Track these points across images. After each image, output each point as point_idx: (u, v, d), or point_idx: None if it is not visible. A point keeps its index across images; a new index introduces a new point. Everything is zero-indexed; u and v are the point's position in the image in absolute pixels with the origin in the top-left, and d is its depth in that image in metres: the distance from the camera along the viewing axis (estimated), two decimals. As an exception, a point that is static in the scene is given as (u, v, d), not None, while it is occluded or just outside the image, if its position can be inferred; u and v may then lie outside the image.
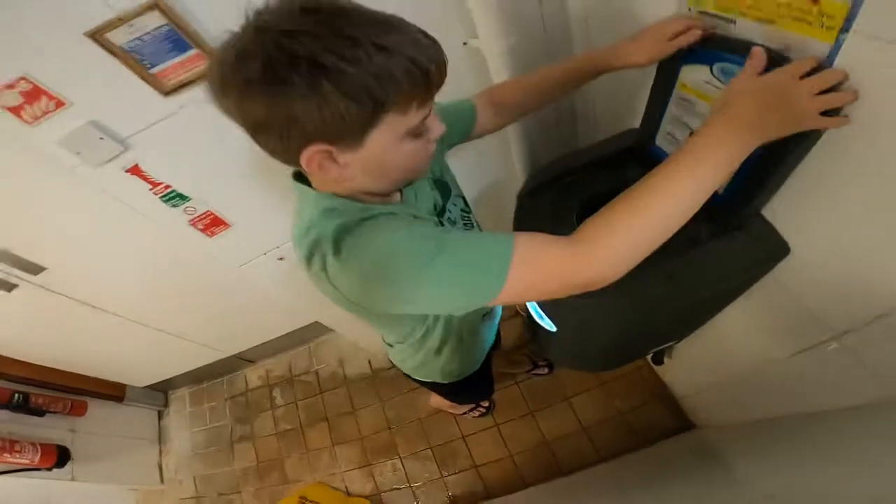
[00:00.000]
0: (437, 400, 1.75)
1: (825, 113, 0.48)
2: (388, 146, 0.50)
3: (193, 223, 1.11)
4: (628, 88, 0.93)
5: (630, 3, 0.79)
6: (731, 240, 0.71)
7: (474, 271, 0.50)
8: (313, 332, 2.18)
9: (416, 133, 0.52)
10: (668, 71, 0.72)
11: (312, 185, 0.58)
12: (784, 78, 0.48)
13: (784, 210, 0.69)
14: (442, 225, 0.70)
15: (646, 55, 0.67)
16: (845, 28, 0.45)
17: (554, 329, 0.95)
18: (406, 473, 1.80)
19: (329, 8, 0.44)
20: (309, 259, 0.54)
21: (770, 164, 0.60)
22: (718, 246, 0.72)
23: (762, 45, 0.53)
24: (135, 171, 0.93)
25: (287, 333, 2.13)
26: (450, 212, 0.74)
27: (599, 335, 0.88)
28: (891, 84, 0.45)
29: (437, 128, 0.55)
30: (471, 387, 1.07)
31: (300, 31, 0.41)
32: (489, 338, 1.00)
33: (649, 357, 1.62)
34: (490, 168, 1.37)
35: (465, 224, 0.78)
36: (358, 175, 0.53)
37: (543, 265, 0.49)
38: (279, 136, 0.47)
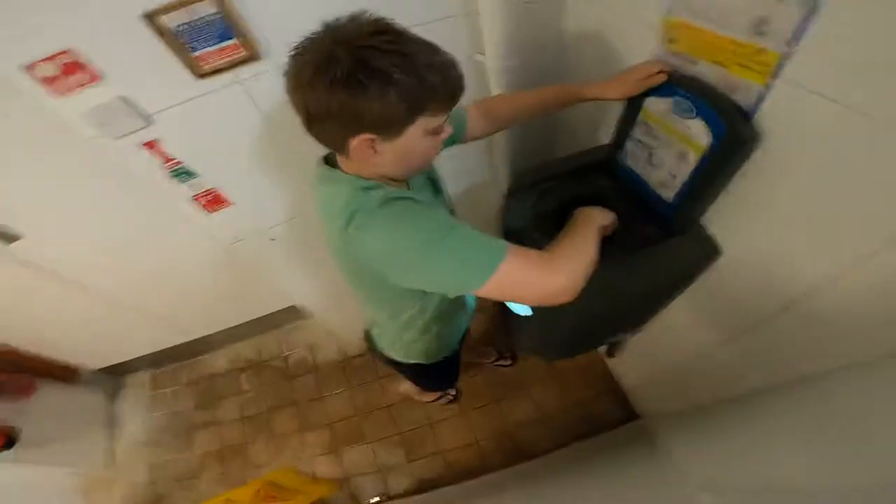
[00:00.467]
0: (406, 387, 1.84)
1: None
2: (415, 140, 0.63)
3: (197, 198, 1.16)
4: (603, 109, 1.09)
5: (616, 43, 0.95)
6: (677, 242, 0.87)
7: (470, 261, 0.62)
8: (286, 317, 2.21)
9: (436, 132, 0.65)
10: (635, 101, 0.88)
11: (341, 169, 0.70)
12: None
13: (717, 219, 0.86)
14: None
15: (620, 92, 0.84)
16: (775, 74, 0.61)
17: (529, 313, 1.07)
18: (374, 458, 1.86)
19: (392, 31, 0.57)
20: (347, 223, 0.64)
21: (707, 183, 0.77)
22: (666, 247, 0.87)
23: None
24: (151, 145, 0.98)
25: (259, 318, 2.15)
26: (439, 205, 0.88)
27: (567, 320, 1.00)
28: (801, 124, 0.61)
29: (447, 129, 0.68)
30: (443, 371, 1.19)
31: (374, 48, 0.54)
32: (465, 324, 1.12)
33: (604, 351, 1.79)
34: (475, 167, 1.50)
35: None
36: (388, 161, 0.65)
37: (524, 276, 0.63)
38: (341, 124, 0.59)
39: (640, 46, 0.85)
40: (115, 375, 2.29)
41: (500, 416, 1.88)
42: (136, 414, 2.20)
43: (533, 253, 0.64)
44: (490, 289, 0.61)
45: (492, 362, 1.96)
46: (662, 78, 0.79)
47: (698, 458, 1.07)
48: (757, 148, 0.69)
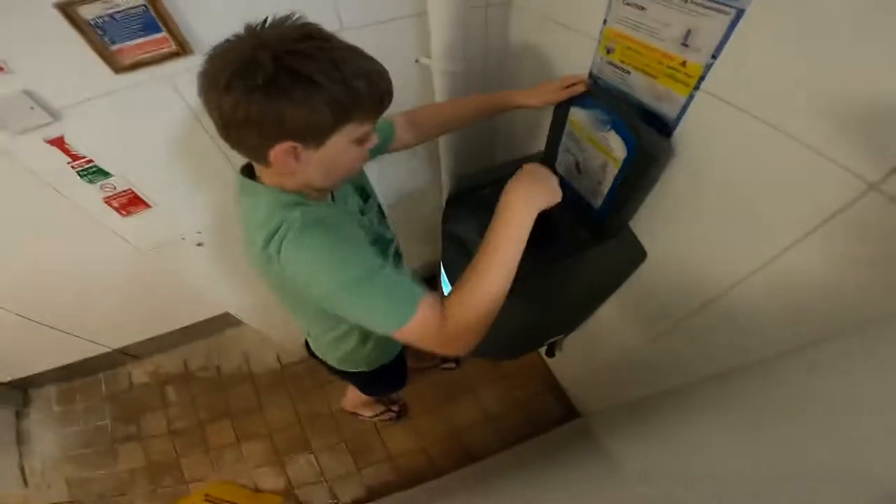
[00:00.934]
0: (351, 402, 1.79)
1: None
2: (340, 149, 0.61)
3: (108, 201, 1.05)
4: (539, 117, 1.13)
5: (558, 52, 0.98)
6: (607, 246, 0.91)
7: (379, 310, 0.60)
8: (216, 325, 2.07)
9: (361, 141, 0.63)
10: (561, 111, 0.93)
11: (261, 180, 0.66)
12: (531, 167, 0.71)
13: (643, 223, 0.91)
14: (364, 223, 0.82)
15: (540, 100, 0.89)
16: (697, 86, 0.65)
17: None
18: (320, 467, 1.80)
19: (319, 36, 0.54)
20: (267, 242, 0.60)
21: (628, 192, 0.82)
22: (598, 251, 0.91)
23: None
24: (57, 142, 0.88)
25: (182, 328, 2.00)
26: (368, 213, 0.85)
27: (510, 322, 1.01)
28: (716, 134, 0.66)
29: (373, 139, 0.66)
30: (388, 375, 1.16)
31: (300, 53, 0.51)
32: None
33: (544, 351, 1.84)
34: (415, 170, 1.49)
35: (381, 223, 0.91)
36: (311, 171, 0.62)
37: (427, 334, 0.61)
38: (261, 132, 0.55)
39: (579, 56, 0.88)
40: (22, 390, 2.04)
41: (447, 419, 1.88)
42: (48, 430, 1.98)
43: (437, 312, 0.61)
44: (398, 337, 0.61)
45: (436, 365, 1.96)
46: (580, 89, 0.84)
47: (634, 452, 1.11)
48: (673, 158, 0.74)
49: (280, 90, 0.51)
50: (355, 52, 0.57)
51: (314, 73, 0.51)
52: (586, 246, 0.90)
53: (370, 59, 0.58)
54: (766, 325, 0.73)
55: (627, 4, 0.72)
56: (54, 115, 0.81)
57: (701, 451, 0.83)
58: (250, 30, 0.54)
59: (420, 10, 0.98)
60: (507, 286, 0.64)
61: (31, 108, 0.77)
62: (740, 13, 0.55)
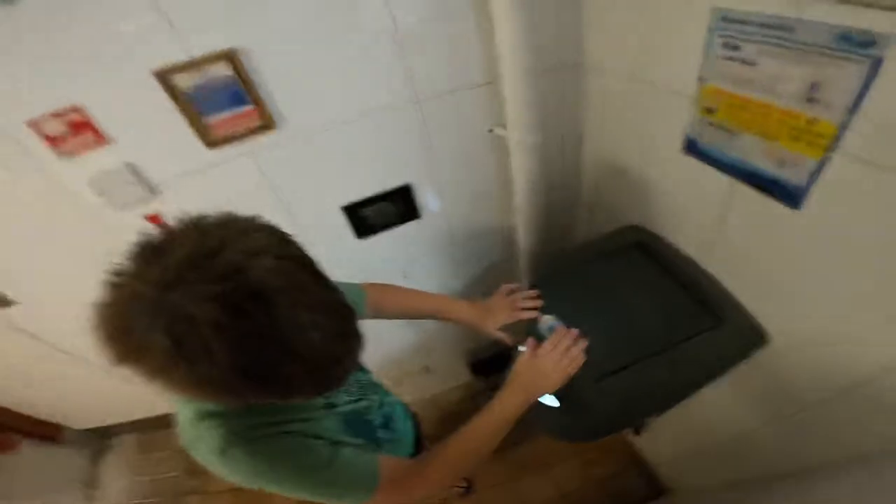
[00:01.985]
0: None
1: None
2: None
3: None
4: (628, 186, 1.03)
5: (646, 109, 0.87)
6: (718, 331, 0.80)
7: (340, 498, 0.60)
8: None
9: None
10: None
11: None
12: (543, 355, 0.77)
13: (761, 301, 0.79)
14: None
15: (494, 325, 0.89)
16: (831, 147, 0.54)
17: (556, 405, 0.98)
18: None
19: (265, 292, 0.38)
20: (191, 449, 0.55)
21: None
22: (709, 337, 0.80)
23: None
24: (154, 219, 0.92)
25: None
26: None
27: (601, 413, 0.89)
28: (860, 198, 0.55)
29: None
30: None
31: (213, 324, 0.36)
32: (408, 432, 0.97)
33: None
34: (490, 248, 1.42)
35: (361, 395, 0.78)
36: None
37: (400, 494, 0.64)
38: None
39: (672, 118, 0.79)
40: (101, 437, 2.15)
41: (518, 496, 1.73)
42: (120, 477, 2.04)
43: (400, 473, 0.65)
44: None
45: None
46: (532, 313, 0.87)
47: None
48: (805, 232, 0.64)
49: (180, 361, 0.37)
50: (305, 323, 0.40)
51: (229, 356, 0.37)
52: (699, 331, 0.80)
53: (339, 333, 0.44)
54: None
55: (730, 59, 0.63)
56: (153, 190, 0.86)
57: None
58: (158, 255, 0.39)
59: (491, 79, 0.96)
60: (486, 456, 0.73)
61: (132, 182, 0.82)
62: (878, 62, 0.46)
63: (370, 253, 1.13)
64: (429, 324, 1.53)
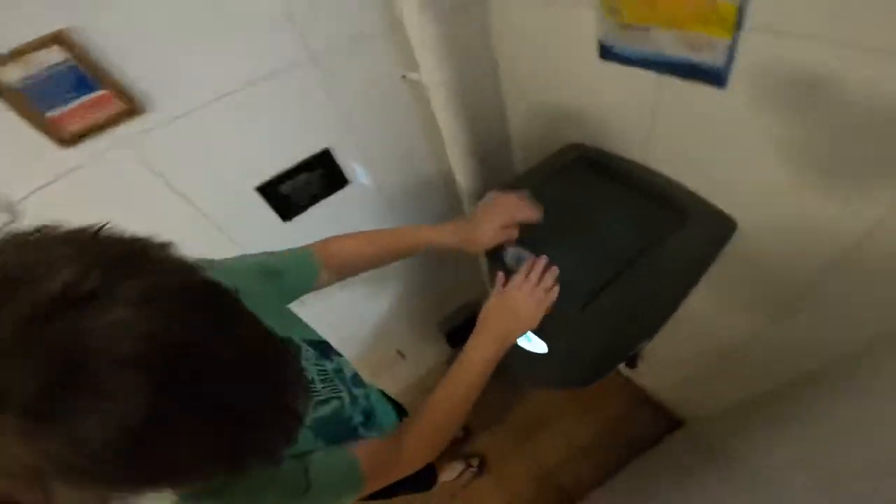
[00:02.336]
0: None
1: None
2: None
3: None
4: (556, 107, 0.97)
5: (549, 31, 0.83)
6: (687, 226, 0.75)
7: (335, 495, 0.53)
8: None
9: None
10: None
11: None
12: (512, 293, 0.70)
13: (721, 189, 0.75)
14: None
15: (456, 239, 0.76)
16: (738, 25, 0.53)
17: (545, 350, 0.90)
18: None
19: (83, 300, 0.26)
20: None
21: None
22: (680, 234, 0.74)
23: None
24: None
25: None
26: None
27: (596, 344, 0.85)
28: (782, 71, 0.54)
29: None
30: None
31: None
32: (388, 422, 0.86)
33: (623, 364, 1.62)
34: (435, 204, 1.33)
35: (322, 380, 0.65)
36: None
37: (385, 472, 0.59)
38: None
39: (582, 28, 0.74)
40: None
41: (533, 461, 1.66)
42: None
43: (382, 454, 0.60)
44: (370, 491, 0.57)
45: (458, 477, 1.68)
46: (513, 234, 0.76)
47: (768, 447, 0.88)
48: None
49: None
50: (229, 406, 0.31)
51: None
52: (665, 235, 0.74)
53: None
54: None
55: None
56: (14, 213, 0.70)
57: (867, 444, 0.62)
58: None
59: (392, 21, 0.86)
60: (467, 414, 0.66)
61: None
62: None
63: (302, 234, 0.98)
64: (386, 302, 1.42)
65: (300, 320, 0.69)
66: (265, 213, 0.94)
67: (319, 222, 1.03)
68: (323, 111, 0.90)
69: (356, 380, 0.76)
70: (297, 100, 0.86)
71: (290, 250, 0.70)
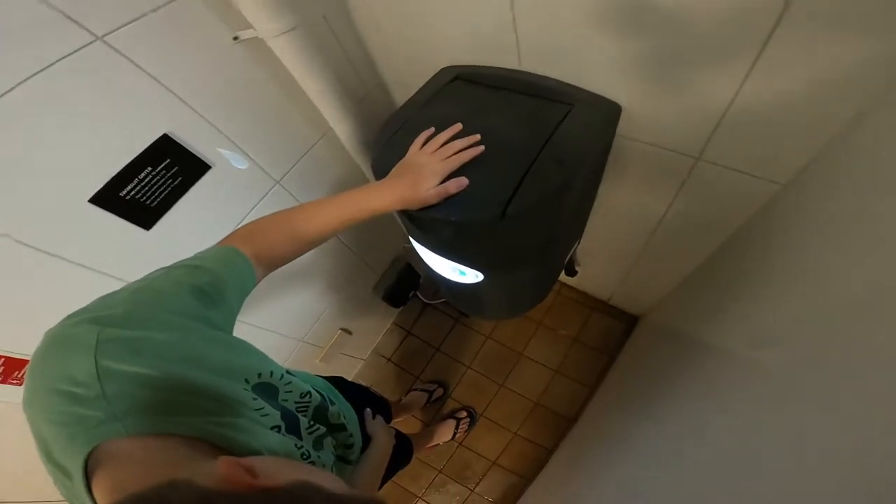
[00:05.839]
0: (420, 446, 1.61)
1: None
2: None
3: None
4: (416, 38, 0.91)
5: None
6: (576, 112, 0.75)
7: None
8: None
9: None
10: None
11: None
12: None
13: (599, 75, 0.75)
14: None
15: (434, 192, 0.65)
16: None
17: (481, 277, 0.86)
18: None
19: None
20: None
21: None
22: (571, 120, 0.74)
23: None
24: None
25: None
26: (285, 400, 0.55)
27: (523, 253, 0.84)
28: None
29: None
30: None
31: None
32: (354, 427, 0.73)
33: (562, 275, 1.63)
34: (321, 167, 1.21)
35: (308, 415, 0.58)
36: None
37: None
38: None
39: None
40: None
41: (519, 394, 1.71)
42: None
43: None
44: None
45: (427, 404, 1.77)
46: (472, 152, 0.70)
47: (725, 326, 0.87)
48: None
49: None
50: None
51: None
52: (555, 124, 0.74)
53: None
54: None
55: None
56: None
57: (810, 292, 0.60)
58: None
59: None
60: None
61: None
62: None
63: (174, 239, 0.86)
64: (311, 287, 1.34)
65: (255, 349, 0.54)
66: (118, 226, 0.77)
67: (193, 218, 0.87)
68: (148, 91, 0.74)
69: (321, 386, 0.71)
70: (107, 83, 0.69)
71: (211, 257, 0.53)
